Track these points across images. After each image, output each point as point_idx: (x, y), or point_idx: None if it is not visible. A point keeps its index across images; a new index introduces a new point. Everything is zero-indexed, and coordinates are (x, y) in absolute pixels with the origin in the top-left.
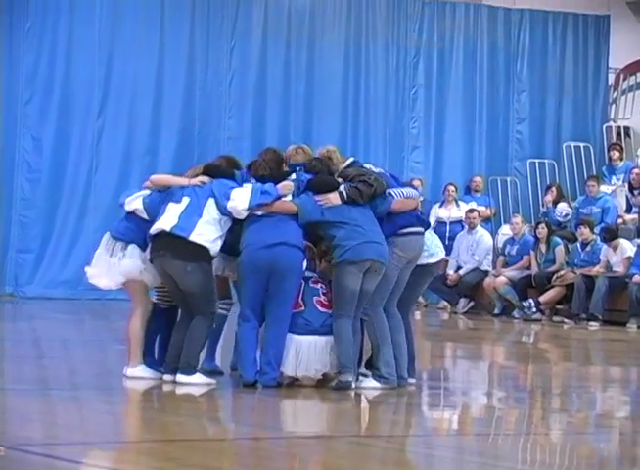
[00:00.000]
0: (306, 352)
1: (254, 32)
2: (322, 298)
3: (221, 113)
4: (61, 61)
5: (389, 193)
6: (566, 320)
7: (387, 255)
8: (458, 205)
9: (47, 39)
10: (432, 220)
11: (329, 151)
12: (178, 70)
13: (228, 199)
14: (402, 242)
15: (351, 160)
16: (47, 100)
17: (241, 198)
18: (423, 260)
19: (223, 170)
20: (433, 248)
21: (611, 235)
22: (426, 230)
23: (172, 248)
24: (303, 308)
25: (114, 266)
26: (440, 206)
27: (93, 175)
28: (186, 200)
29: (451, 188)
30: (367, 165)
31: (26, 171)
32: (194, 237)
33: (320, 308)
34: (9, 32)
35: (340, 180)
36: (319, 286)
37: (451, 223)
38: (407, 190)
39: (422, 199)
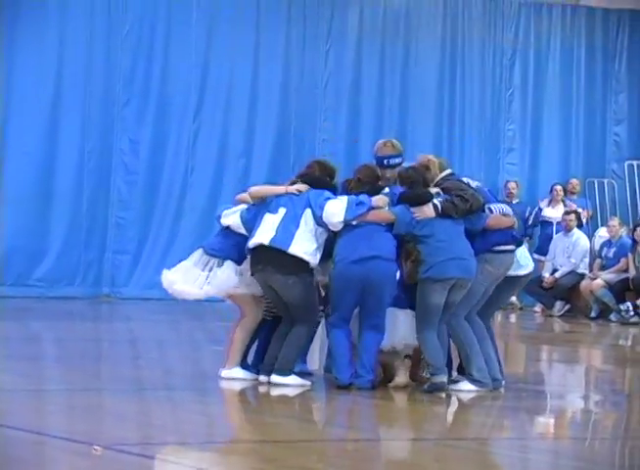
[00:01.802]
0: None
1: (350, 34)
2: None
3: (317, 115)
4: (157, 63)
5: (489, 208)
6: None
7: (473, 270)
8: (565, 205)
9: (144, 42)
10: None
11: (430, 161)
12: (274, 72)
13: (322, 210)
14: (494, 259)
15: (448, 171)
16: (144, 102)
17: (336, 210)
18: (512, 272)
19: (322, 180)
20: (522, 259)
21: None
22: (518, 247)
23: (273, 262)
24: None
25: (204, 278)
26: (547, 205)
27: (189, 177)
28: (282, 210)
29: (558, 188)
30: (465, 179)
31: (124, 173)
32: (293, 249)
33: None
34: (107, 36)
35: (435, 190)
36: None
37: (557, 223)
38: (505, 206)
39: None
